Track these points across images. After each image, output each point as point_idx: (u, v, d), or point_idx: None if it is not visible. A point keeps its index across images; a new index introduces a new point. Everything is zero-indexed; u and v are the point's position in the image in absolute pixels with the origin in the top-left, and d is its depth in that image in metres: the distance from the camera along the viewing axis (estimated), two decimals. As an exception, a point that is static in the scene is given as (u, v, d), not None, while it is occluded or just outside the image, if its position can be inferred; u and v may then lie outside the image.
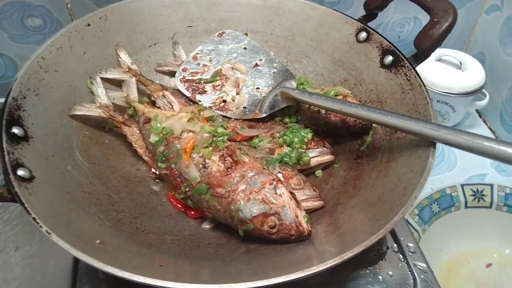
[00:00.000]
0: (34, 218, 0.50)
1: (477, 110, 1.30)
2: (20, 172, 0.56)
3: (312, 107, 0.76)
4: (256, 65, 0.84)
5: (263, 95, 0.80)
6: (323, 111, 0.76)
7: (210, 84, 0.82)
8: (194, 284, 0.45)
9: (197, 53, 0.86)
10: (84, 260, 0.47)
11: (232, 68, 0.84)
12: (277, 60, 0.85)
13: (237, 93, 0.81)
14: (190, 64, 0.85)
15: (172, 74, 0.86)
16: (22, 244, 0.75)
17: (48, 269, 0.71)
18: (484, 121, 1.29)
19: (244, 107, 0.80)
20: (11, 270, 0.71)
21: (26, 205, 0.51)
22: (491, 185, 1.00)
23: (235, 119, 0.79)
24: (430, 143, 0.60)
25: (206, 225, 0.67)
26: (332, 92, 0.75)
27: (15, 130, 0.60)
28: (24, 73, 0.68)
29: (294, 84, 0.79)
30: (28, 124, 0.64)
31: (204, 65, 0.85)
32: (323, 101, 0.68)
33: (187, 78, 0.83)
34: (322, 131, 0.78)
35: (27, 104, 0.65)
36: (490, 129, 1.26)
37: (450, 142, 0.56)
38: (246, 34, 0.89)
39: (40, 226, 0.50)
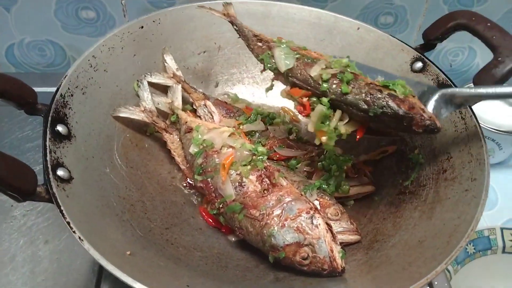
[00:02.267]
0: (68, 223, 0.50)
1: (525, 150, 1.23)
2: (60, 172, 0.56)
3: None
4: None
5: None
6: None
7: None
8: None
9: None
10: (113, 273, 0.46)
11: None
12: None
13: None
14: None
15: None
16: (52, 238, 0.75)
17: (75, 266, 0.72)
18: (532, 163, 1.22)
19: None
20: (39, 263, 0.72)
21: (62, 208, 0.51)
22: (533, 231, 0.95)
23: (274, 136, 0.77)
24: (481, 190, 0.56)
25: (232, 238, 0.66)
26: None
27: (60, 128, 0.61)
28: (74, 70, 0.68)
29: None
30: (73, 122, 0.64)
31: None
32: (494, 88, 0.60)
33: None
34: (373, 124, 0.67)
35: (73, 102, 0.66)
36: (538, 171, 1.19)
37: None
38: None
39: (74, 232, 0.49)
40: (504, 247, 0.95)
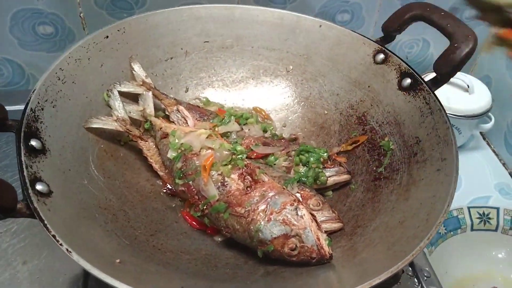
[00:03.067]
0: (54, 236, 0.49)
1: (481, 133, 1.31)
2: (39, 187, 0.54)
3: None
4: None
5: None
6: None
7: None
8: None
9: None
10: (107, 281, 0.46)
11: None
12: None
13: None
14: None
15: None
16: (30, 258, 0.73)
17: (57, 284, 0.70)
18: (488, 144, 1.29)
19: None
20: (19, 285, 0.69)
21: (45, 222, 0.50)
22: (497, 209, 1.01)
23: (249, 135, 0.79)
24: (452, 168, 0.60)
25: (218, 238, 0.66)
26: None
27: (33, 142, 0.59)
28: (43, 84, 0.67)
29: None
30: (46, 136, 0.63)
31: None
32: None
33: None
34: None
35: (44, 116, 0.64)
36: (494, 151, 1.26)
37: None
38: None
39: (61, 244, 0.48)
40: (472, 225, 1.00)
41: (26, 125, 0.60)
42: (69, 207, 0.57)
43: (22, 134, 0.58)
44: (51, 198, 0.55)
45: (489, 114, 1.18)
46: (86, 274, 0.69)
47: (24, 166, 0.55)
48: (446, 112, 1.08)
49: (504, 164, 1.22)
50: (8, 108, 0.62)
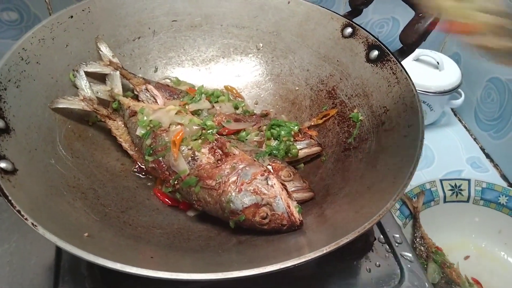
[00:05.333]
0: (19, 211, 0.48)
1: (452, 109, 1.33)
2: (2, 164, 0.54)
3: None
4: None
5: None
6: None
7: None
8: (189, 273, 0.44)
9: None
10: (73, 252, 0.45)
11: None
12: None
13: None
14: None
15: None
16: (0, 243, 0.72)
17: (29, 267, 0.68)
18: (459, 120, 1.32)
19: None
20: None
21: (10, 198, 0.49)
22: (469, 180, 1.04)
23: (220, 112, 0.78)
24: (418, 133, 0.61)
25: (191, 213, 0.66)
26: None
27: (-4, 121, 0.58)
28: (5, 64, 0.65)
29: None
30: (9, 116, 0.61)
31: None
32: None
33: None
34: None
35: (7, 96, 0.63)
36: (465, 127, 1.30)
37: None
38: None
39: (26, 219, 0.48)
40: (444, 197, 1.03)
41: (-13, 105, 0.59)
42: (36, 184, 0.56)
43: (-15, 114, 0.57)
44: (16, 176, 0.54)
45: (459, 90, 1.21)
46: (58, 255, 0.68)
47: (-14, 144, 0.54)
48: (419, 90, 1.12)
49: (475, 139, 1.26)
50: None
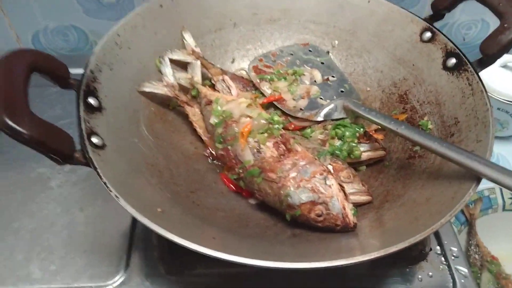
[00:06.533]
0: (105, 183, 0.55)
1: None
2: (94, 140, 0.61)
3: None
4: (327, 79, 0.86)
5: (323, 104, 0.82)
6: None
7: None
8: (246, 258, 0.49)
9: (277, 51, 0.90)
10: (148, 225, 0.51)
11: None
12: (349, 81, 0.87)
13: (302, 98, 0.83)
14: (267, 57, 0.89)
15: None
16: (86, 206, 0.82)
17: (108, 230, 0.78)
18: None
19: (301, 109, 0.81)
20: (76, 228, 0.78)
21: (98, 170, 0.56)
22: (530, 190, 0.98)
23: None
24: (485, 150, 0.60)
25: (252, 201, 0.71)
26: None
27: (91, 100, 0.65)
28: (101, 48, 0.72)
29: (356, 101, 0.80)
30: (102, 96, 0.68)
31: (280, 64, 0.88)
32: (380, 118, 0.70)
33: (259, 68, 0.86)
34: None
35: (102, 77, 0.70)
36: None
37: (498, 181, 0.55)
38: (328, 52, 0.92)
39: (110, 191, 0.55)
40: (504, 205, 0.98)
41: (85, 84, 0.66)
42: (119, 160, 0.63)
43: (81, 92, 0.65)
44: (104, 150, 0.61)
45: (547, 101, 1.13)
46: (133, 224, 0.77)
47: (82, 120, 0.61)
48: (502, 98, 1.06)
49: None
50: (72, 71, 0.69)
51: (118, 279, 0.70)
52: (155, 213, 0.57)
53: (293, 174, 0.64)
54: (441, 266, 0.72)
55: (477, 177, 0.57)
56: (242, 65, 0.93)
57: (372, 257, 0.50)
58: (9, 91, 0.54)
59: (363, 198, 0.67)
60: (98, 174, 0.56)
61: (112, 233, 0.77)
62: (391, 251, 0.50)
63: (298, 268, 0.50)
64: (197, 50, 0.86)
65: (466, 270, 0.70)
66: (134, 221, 0.76)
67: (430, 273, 0.71)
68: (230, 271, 0.70)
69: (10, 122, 0.51)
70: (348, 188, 0.66)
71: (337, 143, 0.75)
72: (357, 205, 0.67)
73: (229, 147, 0.71)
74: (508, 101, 1.08)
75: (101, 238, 0.77)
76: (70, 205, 0.82)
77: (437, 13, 0.80)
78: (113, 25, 0.78)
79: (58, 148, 0.55)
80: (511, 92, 1.08)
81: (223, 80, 0.84)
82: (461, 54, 0.74)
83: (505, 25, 0.68)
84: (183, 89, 0.83)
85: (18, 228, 0.78)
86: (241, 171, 0.69)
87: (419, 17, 0.82)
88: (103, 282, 0.70)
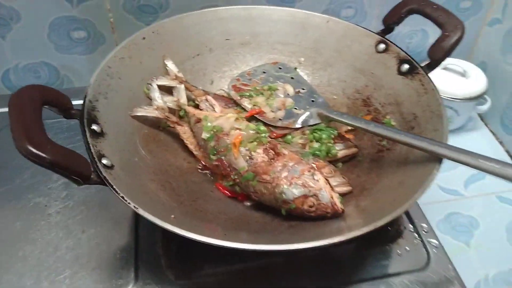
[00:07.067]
0: (122, 197, 0.61)
1: (479, 114, 1.41)
2: (104, 161, 0.67)
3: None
4: (299, 92, 0.97)
5: (298, 114, 0.92)
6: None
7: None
8: (257, 244, 0.57)
9: (251, 71, 1.01)
10: (170, 229, 0.58)
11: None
12: (317, 92, 0.97)
13: (279, 109, 0.92)
14: (243, 77, 0.99)
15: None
16: (87, 228, 0.85)
17: (112, 248, 0.80)
18: (485, 124, 1.40)
19: (280, 119, 0.91)
20: (80, 249, 0.82)
21: (114, 187, 0.63)
22: None
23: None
24: (442, 136, 0.72)
25: (248, 203, 0.79)
26: None
27: (94, 127, 0.72)
28: (95, 79, 0.79)
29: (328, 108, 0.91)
30: (102, 122, 0.74)
31: (255, 81, 0.98)
32: (351, 119, 0.82)
33: (238, 86, 0.96)
34: None
35: (99, 106, 0.77)
36: (491, 131, 1.37)
37: (455, 159, 0.66)
38: (296, 68, 1.02)
39: (129, 203, 0.61)
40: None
41: (87, 113, 0.73)
42: (127, 177, 0.70)
43: (85, 120, 0.71)
44: (113, 170, 0.68)
45: (485, 96, 1.29)
46: (136, 238, 0.82)
47: (91, 145, 0.68)
48: (446, 96, 1.21)
49: (501, 143, 1.33)
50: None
51: (131, 289, 0.75)
52: (170, 219, 0.64)
53: (284, 174, 0.73)
54: (415, 241, 0.83)
55: (439, 159, 0.68)
56: (221, 85, 1.02)
57: (363, 231, 0.59)
58: (28, 122, 0.60)
59: (345, 188, 0.77)
60: (114, 190, 0.62)
61: (116, 250, 0.82)
62: (378, 225, 0.60)
63: (299, 249, 0.57)
64: (180, 75, 0.94)
65: (436, 242, 0.82)
66: (137, 236, 0.82)
67: (407, 248, 0.82)
68: (235, 268, 0.77)
69: (34, 150, 0.57)
70: (332, 181, 0.76)
71: (316, 145, 0.85)
72: (340, 195, 0.77)
73: (223, 158, 0.79)
74: (451, 98, 1.23)
75: (107, 255, 0.81)
76: (71, 229, 0.86)
77: (388, 27, 0.94)
78: (83, 59, 0.83)
79: (78, 170, 0.61)
80: (453, 90, 1.23)
81: (206, 99, 0.92)
82: (413, 60, 0.87)
83: (446, 33, 0.81)
84: (171, 111, 0.90)
85: (24, 255, 0.81)
86: (236, 177, 0.77)
87: (373, 31, 0.95)
88: (117, 294, 0.75)
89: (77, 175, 0.61)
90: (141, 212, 0.60)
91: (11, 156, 0.94)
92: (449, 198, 1.17)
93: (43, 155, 0.57)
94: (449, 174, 1.22)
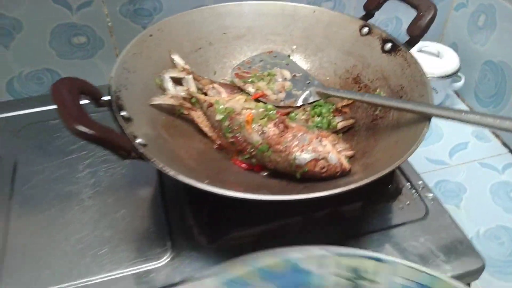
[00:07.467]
0: (162, 167, 0.70)
1: (455, 91, 1.56)
2: (138, 140, 0.75)
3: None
4: (295, 76, 1.07)
5: (297, 94, 1.02)
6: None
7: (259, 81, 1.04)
8: (283, 195, 0.66)
9: (249, 60, 1.10)
10: (207, 189, 0.67)
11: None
12: (311, 76, 1.07)
13: (280, 92, 1.02)
14: (243, 66, 1.09)
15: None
16: (119, 209, 0.91)
17: (146, 223, 0.88)
18: (462, 100, 1.53)
19: (281, 100, 1.01)
20: (117, 227, 0.88)
21: (153, 159, 0.71)
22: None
23: (274, 104, 1.01)
24: (428, 99, 0.83)
25: (264, 173, 0.88)
26: None
27: (123, 113, 0.79)
28: (115, 73, 0.86)
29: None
30: (127, 109, 0.82)
31: (254, 69, 1.08)
32: (347, 93, 0.93)
33: (240, 74, 1.05)
34: None
35: (122, 96, 0.84)
36: (468, 105, 1.51)
37: (440, 115, 0.77)
38: (289, 56, 1.12)
39: (168, 172, 0.69)
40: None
41: (114, 102, 0.81)
42: (160, 155, 0.77)
43: (115, 108, 0.79)
44: (147, 148, 0.75)
45: (459, 74, 1.43)
46: (166, 213, 0.90)
47: (124, 128, 0.76)
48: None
49: (476, 115, 1.46)
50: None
51: (169, 255, 0.83)
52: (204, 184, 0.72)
53: (295, 143, 0.83)
54: (414, 196, 0.94)
55: (428, 118, 0.79)
56: (223, 75, 1.11)
57: (370, 180, 0.69)
58: (72, 107, 0.68)
59: (349, 152, 0.87)
60: (153, 162, 0.71)
61: (150, 225, 0.89)
62: (382, 174, 0.70)
63: (316, 197, 0.67)
64: (187, 66, 1.03)
65: (432, 195, 0.94)
66: (167, 211, 0.90)
67: (408, 202, 0.93)
68: (258, 230, 0.86)
69: (82, 128, 0.65)
70: (337, 147, 0.86)
71: (318, 119, 0.95)
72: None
73: (238, 134, 0.88)
74: (428, 77, 1.35)
75: (142, 230, 0.88)
76: (104, 211, 0.92)
77: (369, 13, 1.05)
78: (84, 63, 0.91)
79: (121, 145, 0.69)
80: (429, 70, 1.36)
81: (213, 87, 1.01)
82: (394, 40, 0.98)
83: (421, 14, 0.93)
84: (183, 99, 0.99)
85: (65, 236, 0.88)
86: (252, 150, 0.86)
87: (356, 17, 1.06)
88: (157, 260, 0.82)
89: (121, 149, 0.69)
90: (180, 177, 0.69)
91: (34, 153, 1.01)
92: (436, 168, 1.29)
93: (92, 132, 0.65)
94: (434, 147, 1.35)
